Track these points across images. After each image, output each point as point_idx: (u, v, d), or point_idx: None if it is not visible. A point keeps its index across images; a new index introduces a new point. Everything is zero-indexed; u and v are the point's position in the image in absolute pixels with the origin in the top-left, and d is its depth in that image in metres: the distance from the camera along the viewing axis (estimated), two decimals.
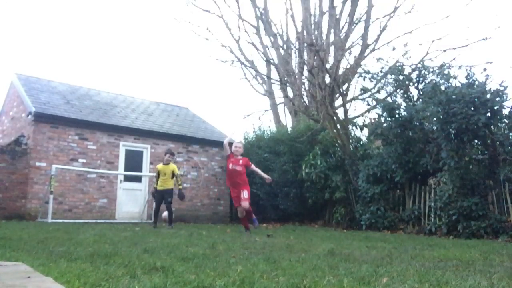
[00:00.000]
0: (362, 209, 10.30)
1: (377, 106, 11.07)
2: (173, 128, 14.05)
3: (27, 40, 36.65)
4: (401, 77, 10.38)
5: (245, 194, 7.67)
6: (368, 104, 12.81)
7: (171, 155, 9.19)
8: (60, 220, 10.30)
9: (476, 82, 8.52)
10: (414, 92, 10.47)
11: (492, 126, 8.27)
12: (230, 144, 8.21)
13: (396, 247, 5.15)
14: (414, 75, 10.43)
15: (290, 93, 17.05)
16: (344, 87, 14.28)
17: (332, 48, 15.92)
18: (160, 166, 9.10)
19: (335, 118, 11.60)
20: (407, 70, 10.72)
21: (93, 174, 11.76)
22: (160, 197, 9.02)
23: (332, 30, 16.89)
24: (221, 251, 4.13)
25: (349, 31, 17.28)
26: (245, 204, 7.62)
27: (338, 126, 11.52)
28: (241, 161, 7.87)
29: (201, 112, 34.43)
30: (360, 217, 10.30)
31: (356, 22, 17.43)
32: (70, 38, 36.60)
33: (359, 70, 13.77)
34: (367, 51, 16.89)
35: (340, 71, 13.20)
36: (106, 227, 8.17)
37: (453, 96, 8.10)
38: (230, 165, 7.82)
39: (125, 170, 12.40)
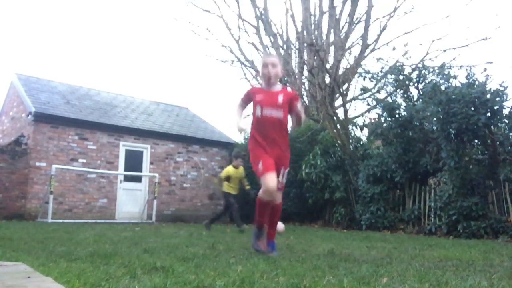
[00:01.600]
0: (362, 209, 10.29)
1: (377, 106, 11.07)
2: (173, 128, 14.05)
3: (27, 40, 36.65)
4: (401, 77, 10.38)
5: (284, 176, 3.89)
6: (368, 104, 12.81)
7: (242, 159, 8.48)
8: (60, 220, 10.30)
9: (476, 82, 8.52)
10: (414, 92, 10.47)
11: (492, 126, 8.27)
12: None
13: (396, 247, 5.15)
14: (414, 75, 10.43)
15: None
16: (344, 87, 14.29)
17: (332, 48, 15.92)
18: (231, 170, 8.43)
19: (335, 118, 11.60)
20: (407, 70, 10.72)
21: (93, 174, 11.76)
22: (232, 200, 8.48)
23: (332, 30, 16.88)
24: (221, 251, 4.13)
25: (349, 31, 17.28)
26: (279, 196, 3.86)
27: (338, 126, 11.52)
28: (281, 98, 3.84)
29: (201, 112, 34.44)
30: (360, 217, 10.30)
31: (356, 22, 17.43)
32: (70, 38, 36.61)
33: (359, 70, 13.77)
34: (367, 51, 16.89)
35: (340, 71, 13.21)
36: (106, 227, 8.17)
37: (453, 96, 8.09)
38: (260, 110, 3.83)
39: (125, 170, 12.41)
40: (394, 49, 12.70)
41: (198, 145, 14.05)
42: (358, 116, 13.78)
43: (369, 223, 9.92)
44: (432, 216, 9.01)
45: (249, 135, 4.09)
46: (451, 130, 8.27)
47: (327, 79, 12.38)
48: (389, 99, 10.79)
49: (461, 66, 11.17)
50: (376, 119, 10.82)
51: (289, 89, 4.16)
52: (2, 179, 10.76)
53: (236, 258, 3.55)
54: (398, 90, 10.62)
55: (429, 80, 10.00)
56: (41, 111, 11.22)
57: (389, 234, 8.63)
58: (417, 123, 9.72)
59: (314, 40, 15.26)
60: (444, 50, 15.76)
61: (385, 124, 10.19)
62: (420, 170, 9.56)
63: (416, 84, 10.35)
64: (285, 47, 18.39)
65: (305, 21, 17.35)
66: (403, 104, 10.38)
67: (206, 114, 35.98)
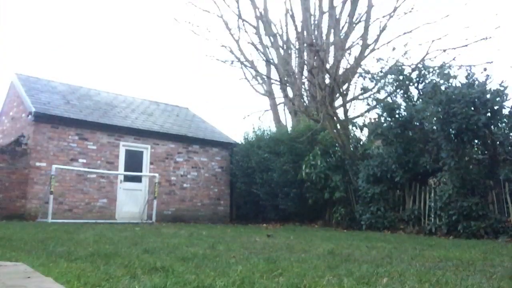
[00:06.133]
0: (362, 209, 10.29)
1: (377, 106, 11.07)
2: (173, 128, 14.05)
3: (27, 40, 36.65)
4: (401, 77, 10.38)
5: None
6: (368, 104, 12.81)
7: None
8: (60, 220, 10.29)
9: (476, 82, 8.53)
10: (414, 92, 10.47)
11: (492, 126, 8.27)
12: None
13: (396, 247, 5.15)
14: (414, 75, 10.42)
15: (290, 93, 17.05)
16: (344, 87, 14.29)
17: (332, 48, 15.93)
18: None
19: (335, 118, 11.60)
20: (407, 70, 10.72)
21: (93, 174, 11.75)
22: None
23: (332, 30, 16.89)
24: (221, 251, 4.13)
25: (349, 31, 17.29)
26: None
27: (338, 126, 11.52)
28: None
29: (201, 112, 34.41)
30: (360, 217, 10.30)
31: (356, 22, 17.43)
32: (70, 38, 36.62)
33: (359, 70, 13.78)
34: (367, 51, 16.89)
35: (340, 71, 13.21)
36: (106, 227, 8.17)
37: (453, 96, 8.10)
38: None
39: (125, 170, 12.40)
40: (394, 49, 12.73)
41: (198, 145, 14.04)
42: (358, 116, 13.78)
43: (369, 223, 9.92)
44: (432, 216, 9.01)
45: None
46: (451, 130, 8.27)
47: (327, 79, 12.38)
48: (389, 99, 10.79)
49: (461, 66, 11.15)
50: (376, 119, 10.82)
51: None
52: (2, 179, 10.75)
53: (236, 258, 3.55)
54: (398, 90, 10.61)
55: (429, 80, 10.00)
56: (41, 111, 11.22)
57: (389, 234, 8.63)
58: (417, 123, 9.72)
59: (314, 40, 15.27)
60: (444, 50, 15.75)
61: (385, 124, 10.19)
62: (420, 170, 9.56)
63: (416, 84, 10.35)
64: (285, 47, 18.39)
65: (305, 21, 17.35)
66: (403, 104, 10.38)
67: (206, 114, 35.95)
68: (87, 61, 36.27)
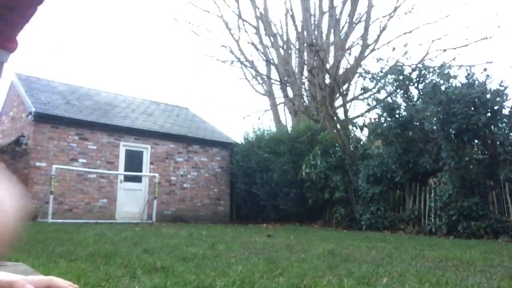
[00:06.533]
0: (362, 209, 10.30)
1: (377, 106, 11.07)
2: (173, 128, 14.05)
3: (27, 40, 36.63)
4: (401, 77, 10.38)
5: None
6: (368, 104, 12.81)
7: None
8: (60, 220, 10.29)
9: (476, 82, 8.53)
10: (414, 92, 10.48)
11: (492, 126, 8.28)
12: None
13: (396, 247, 5.15)
14: (414, 75, 10.43)
15: (290, 93, 17.05)
16: (344, 87, 14.29)
17: (332, 48, 15.93)
18: None
19: (335, 118, 11.60)
20: (407, 70, 10.73)
21: (93, 174, 11.75)
22: None
23: (332, 30, 16.89)
24: (221, 251, 4.13)
25: (349, 31, 17.29)
26: None
27: (338, 126, 11.52)
28: None
29: (201, 112, 34.39)
30: (360, 217, 10.30)
31: (356, 22, 17.44)
32: (70, 38, 36.62)
33: (359, 70, 13.78)
34: (367, 51, 16.89)
35: (340, 71, 13.21)
36: (106, 227, 8.17)
37: (453, 96, 8.10)
38: None
39: (125, 170, 12.40)
40: (394, 49, 12.74)
41: (198, 145, 14.04)
42: (358, 116, 13.78)
43: (369, 223, 9.92)
44: (432, 216, 9.01)
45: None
46: (451, 130, 8.28)
47: (327, 79, 12.39)
48: (389, 99, 10.79)
49: (461, 66, 11.18)
50: (376, 119, 10.82)
51: None
52: None
53: (236, 258, 3.55)
54: (398, 90, 10.62)
55: (429, 80, 10.00)
56: (41, 111, 11.22)
57: (389, 234, 8.63)
58: (417, 123, 9.72)
59: (314, 40, 15.27)
60: (444, 50, 15.77)
61: (385, 124, 10.20)
62: (420, 170, 9.56)
63: (416, 84, 10.35)
64: (285, 47, 18.39)
65: (305, 21, 17.35)
66: (403, 104, 10.39)
67: (206, 114, 35.94)
68: (87, 61, 36.28)
